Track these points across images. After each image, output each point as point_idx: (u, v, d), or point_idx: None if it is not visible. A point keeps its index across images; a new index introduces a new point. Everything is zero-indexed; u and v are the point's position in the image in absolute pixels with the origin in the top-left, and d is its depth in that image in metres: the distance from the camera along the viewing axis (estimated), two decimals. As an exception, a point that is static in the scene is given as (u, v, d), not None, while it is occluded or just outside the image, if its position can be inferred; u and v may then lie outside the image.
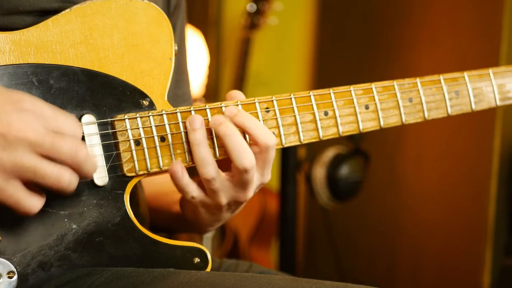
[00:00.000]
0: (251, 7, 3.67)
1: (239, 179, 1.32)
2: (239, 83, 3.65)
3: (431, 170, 3.36)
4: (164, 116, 1.30)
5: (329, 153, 3.03)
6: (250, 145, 1.32)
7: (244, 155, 1.29)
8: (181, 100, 1.67)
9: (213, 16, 4.13)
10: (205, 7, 4.12)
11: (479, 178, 3.13)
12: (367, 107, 1.46)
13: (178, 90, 1.66)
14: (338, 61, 3.75)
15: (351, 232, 3.69)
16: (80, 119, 1.24)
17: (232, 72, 3.76)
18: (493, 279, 3.11)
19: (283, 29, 3.95)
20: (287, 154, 2.96)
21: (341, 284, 1.23)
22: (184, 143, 1.31)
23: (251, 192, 1.35)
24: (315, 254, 3.89)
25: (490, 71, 1.59)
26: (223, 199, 1.34)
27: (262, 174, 1.34)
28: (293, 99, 1.39)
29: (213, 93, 4.08)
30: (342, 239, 3.61)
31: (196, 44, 3.80)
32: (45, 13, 1.29)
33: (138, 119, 1.28)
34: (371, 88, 1.47)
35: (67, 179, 1.14)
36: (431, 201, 3.35)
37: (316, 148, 2.99)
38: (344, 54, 3.72)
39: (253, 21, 3.66)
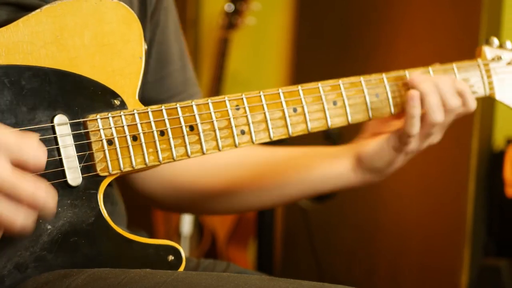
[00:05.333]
0: (229, 7, 3.66)
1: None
2: (217, 83, 3.65)
3: (411, 170, 3.35)
4: (136, 115, 1.30)
5: (308, 153, 3.03)
6: None
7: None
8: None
9: (191, 16, 4.12)
10: (183, 7, 4.11)
11: (458, 178, 3.14)
12: (335, 103, 1.47)
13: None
14: (316, 60, 3.75)
15: (330, 232, 3.68)
16: (52, 119, 1.24)
17: (210, 72, 3.76)
18: (471, 279, 3.13)
19: (261, 29, 3.96)
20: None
21: (319, 284, 1.23)
22: (156, 141, 1.32)
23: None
24: (294, 254, 3.88)
25: (454, 65, 1.63)
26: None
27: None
28: (262, 96, 1.40)
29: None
30: (321, 239, 3.61)
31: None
32: (21, 8, 1.29)
33: (110, 118, 1.28)
34: (339, 84, 1.48)
35: (20, 224, 1.11)
36: (410, 201, 3.35)
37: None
38: (322, 53, 3.72)
39: (231, 21, 3.66)
